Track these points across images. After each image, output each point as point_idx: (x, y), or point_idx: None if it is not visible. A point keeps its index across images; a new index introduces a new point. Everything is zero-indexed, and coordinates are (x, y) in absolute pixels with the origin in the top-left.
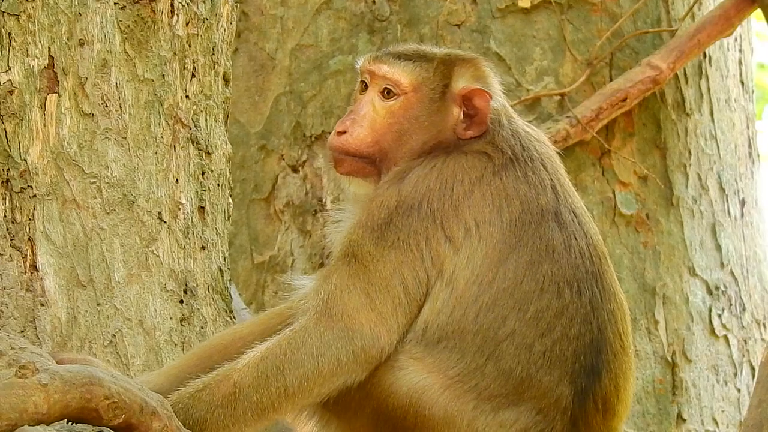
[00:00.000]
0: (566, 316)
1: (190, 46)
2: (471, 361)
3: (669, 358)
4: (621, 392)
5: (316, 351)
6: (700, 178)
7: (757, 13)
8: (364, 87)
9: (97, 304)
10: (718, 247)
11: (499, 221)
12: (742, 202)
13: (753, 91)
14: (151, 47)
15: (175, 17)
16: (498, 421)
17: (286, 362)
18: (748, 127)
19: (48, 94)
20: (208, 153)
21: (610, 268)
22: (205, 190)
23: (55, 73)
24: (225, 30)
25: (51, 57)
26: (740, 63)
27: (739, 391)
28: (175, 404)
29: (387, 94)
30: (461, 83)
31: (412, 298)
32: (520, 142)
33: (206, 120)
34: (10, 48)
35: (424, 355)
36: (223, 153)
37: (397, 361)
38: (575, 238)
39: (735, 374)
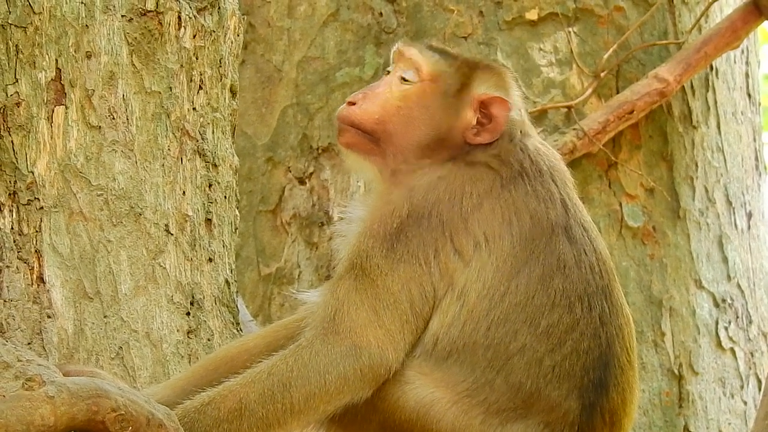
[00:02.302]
0: (577, 330)
1: (197, 59)
2: (480, 376)
3: (675, 371)
4: (627, 406)
5: (323, 368)
6: (706, 191)
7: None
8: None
9: (104, 316)
10: (725, 260)
11: (509, 235)
12: (749, 215)
13: (760, 104)
14: (158, 59)
15: (182, 29)
16: None
17: (293, 379)
18: (754, 140)
19: (55, 106)
20: (215, 165)
21: (617, 283)
22: (212, 202)
23: (62, 86)
24: (232, 42)
25: (58, 69)
26: (747, 75)
27: (745, 403)
28: (181, 417)
29: (406, 79)
30: (482, 89)
31: (418, 315)
32: (528, 156)
33: (213, 132)
34: (17, 60)
35: (433, 370)
36: (230, 165)
37: (404, 375)
38: (585, 253)
39: (742, 387)
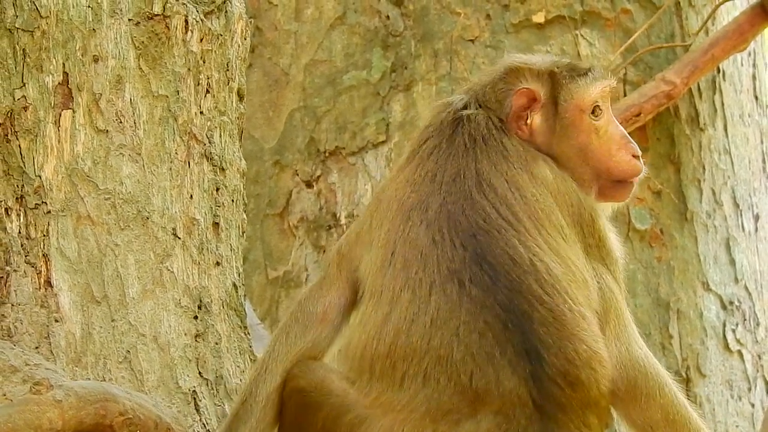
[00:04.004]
0: (462, 312)
1: (204, 62)
2: (408, 389)
3: (683, 373)
4: (575, 357)
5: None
6: (714, 193)
7: None
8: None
9: (112, 320)
10: (732, 262)
11: (386, 223)
12: (756, 217)
13: (767, 106)
14: (166, 63)
15: (189, 33)
16: None
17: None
18: (761, 142)
19: (62, 110)
20: (223, 169)
21: (504, 239)
22: (219, 206)
23: (70, 89)
24: (239, 46)
25: (65, 73)
26: (754, 78)
27: (753, 406)
28: None
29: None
30: None
31: (342, 261)
32: (432, 133)
33: (220, 136)
34: (25, 64)
35: (370, 391)
36: (238, 169)
37: (363, 409)
38: (442, 232)
39: (749, 389)
